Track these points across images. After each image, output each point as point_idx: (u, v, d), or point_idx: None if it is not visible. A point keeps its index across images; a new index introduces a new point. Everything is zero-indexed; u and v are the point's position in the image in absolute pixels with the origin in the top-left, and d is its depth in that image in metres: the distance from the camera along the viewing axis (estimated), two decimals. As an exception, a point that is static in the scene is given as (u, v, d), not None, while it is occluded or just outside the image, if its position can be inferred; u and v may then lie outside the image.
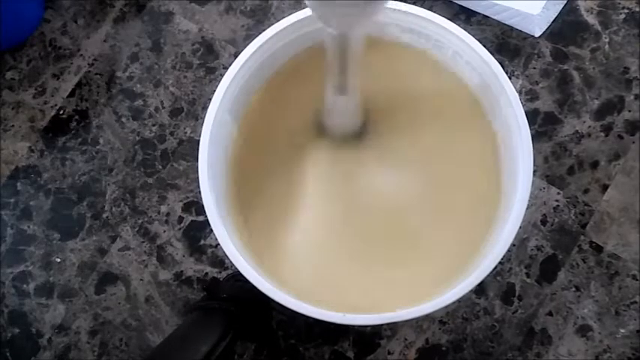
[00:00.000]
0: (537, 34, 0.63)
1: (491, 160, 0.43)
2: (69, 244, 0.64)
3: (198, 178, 0.39)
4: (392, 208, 0.43)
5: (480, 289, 0.61)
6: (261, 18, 0.67)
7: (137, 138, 0.66)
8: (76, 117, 0.67)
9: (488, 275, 0.37)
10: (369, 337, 0.61)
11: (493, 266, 0.37)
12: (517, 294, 0.61)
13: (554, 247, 0.61)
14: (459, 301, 0.38)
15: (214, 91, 0.40)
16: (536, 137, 0.63)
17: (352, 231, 0.43)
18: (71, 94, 0.67)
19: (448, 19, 0.40)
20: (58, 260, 0.64)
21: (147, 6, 0.68)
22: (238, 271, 0.37)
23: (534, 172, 0.39)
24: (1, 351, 0.62)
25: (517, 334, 0.60)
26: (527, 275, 0.61)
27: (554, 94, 0.64)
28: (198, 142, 0.39)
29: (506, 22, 0.64)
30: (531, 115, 0.64)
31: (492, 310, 0.61)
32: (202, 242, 0.63)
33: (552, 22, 0.64)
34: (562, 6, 0.64)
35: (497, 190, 0.42)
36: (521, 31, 0.64)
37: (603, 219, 0.62)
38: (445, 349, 0.60)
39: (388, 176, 0.44)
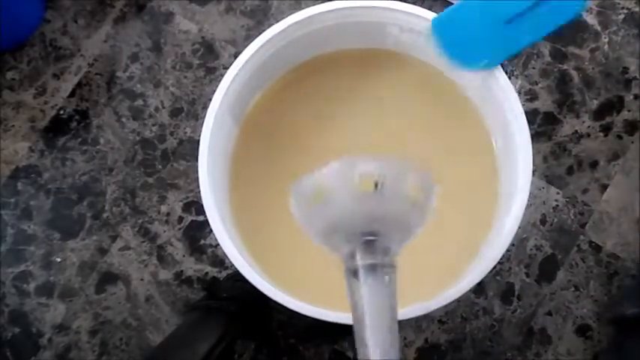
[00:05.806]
0: None
1: (490, 161, 0.43)
2: (69, 244, 0.64)
3: (198, 178, 0.39)
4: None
5: (480, 288, 0.61)
6: (261, 18, 0.67)
7: (137, 138, 0.66)
8: (77, 117, 0.67)
9: (488, 275, 0.37)
10: (368, 337, 0.61)
11: (492, 266, 0.37)
12: (516, 293, 0.61)
13: (553, 247, 0.61)
14: (458, 300, 0.38)
15: (214, 91, 0.40)
16: (535, 137, 0.63)
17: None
18: (71, 94, 0.67)
19: (448, 19, 0.40)
20: (59, 260, 0.64)
21: (147, 6, 0.68)
22: (238, 271, 0.37)
23: (534, 171, 0.39)
24: (1, 350, 0.63)
25: (516, 334, 0.60)
26: (527, 275, 0.61)
27: (553, 94, 0.64)
28: (198, 142, 0.39)
29: None
30: (531, 115, 0.64)
31: (492, 309, 0.61)
32: (202, 242, 0.63)
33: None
34: None
35: (497, 190, 0.42)
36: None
37: (602, 219, 0.62)
38: (444, 349, 0.61)
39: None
